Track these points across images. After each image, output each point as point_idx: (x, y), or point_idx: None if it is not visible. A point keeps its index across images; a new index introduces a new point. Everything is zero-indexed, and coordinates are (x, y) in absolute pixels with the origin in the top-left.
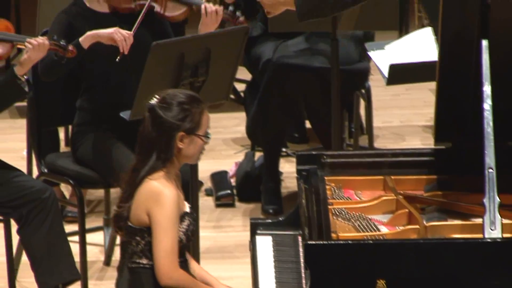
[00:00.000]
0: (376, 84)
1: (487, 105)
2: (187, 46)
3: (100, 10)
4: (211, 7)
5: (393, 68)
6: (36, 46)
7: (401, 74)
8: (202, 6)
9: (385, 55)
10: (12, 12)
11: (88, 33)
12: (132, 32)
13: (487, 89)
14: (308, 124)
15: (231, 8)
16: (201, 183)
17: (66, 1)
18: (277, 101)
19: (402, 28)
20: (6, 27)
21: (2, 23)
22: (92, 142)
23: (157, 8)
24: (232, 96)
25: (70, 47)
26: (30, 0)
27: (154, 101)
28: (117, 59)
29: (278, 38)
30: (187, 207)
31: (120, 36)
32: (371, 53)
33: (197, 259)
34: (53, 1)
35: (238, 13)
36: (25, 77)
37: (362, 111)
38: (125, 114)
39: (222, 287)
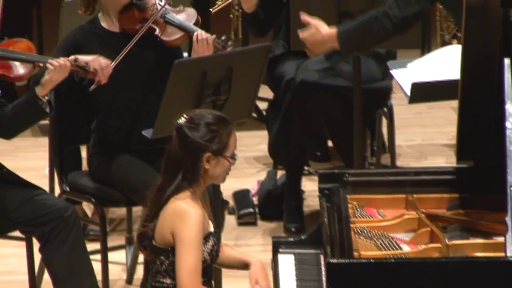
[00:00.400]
0: (399, 103)
1: (510, 123)
2: (209, 64)
3: (112, 29)
4: (202, 34)
5: (416, 86)
6: (57, 67)
7: (424, 92)
8: (194, 34)
9: (407, 74)
10: (34, 31)
11: None
12: (112, 64)
13: (509, 107)
14: (330, 143)
15: (223, 37)
16: (227, 202)
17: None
18: (299, 120)
19: (425, 46)
20: (28, 47)
21: (24, 44)
22: (111, 162)
23: (157, 31)
24: (254, 115)
25: (91, 69)
26: (52, 20)
27: (182, 120)
28: (90, 89)
29: (300, 57)
30: (212, 227)
31: (98, 65)
32: (393, 72)
33: (219, 277)
34: (75, 21)
35: (230, 43)
36: (46, 97)
37: (384, 130)
38: (147, 133)
39: (253, 259)
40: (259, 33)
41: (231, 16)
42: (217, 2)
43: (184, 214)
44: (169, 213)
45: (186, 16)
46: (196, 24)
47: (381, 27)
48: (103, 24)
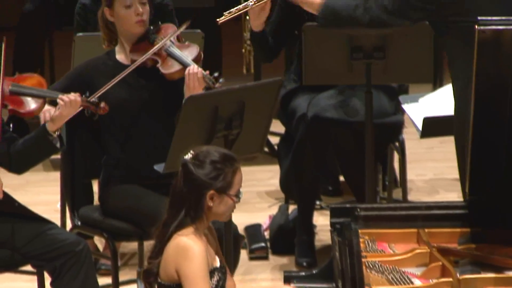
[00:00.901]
0: (410, 137)
1: None
2: (221, 99)
3: (125, 62)
4: (193, 69)
5: (427, 121)
6: (67, 103)
7: (435, 127)
8: (187, 68)
9: (419, 108)
10: (46, 66)
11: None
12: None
13: None
14: (341, 177)
15: (215, 74)
16: (242, 237)
17: (100, 49)
18: (311, 155)
19: (437, 81)
20: (39, 82)
21: (35, 79)
22: (122, 195)
23: (159, 63)
24: (266, 149)
25: (102, 104)
26: (64, 54)
27: (188, 156)
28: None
29: (312, 91)
30: (217, 262)
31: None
32: (405, 106)
33: None
34: (87, 55)
35: (221, 80)
36: (57, 133)
37: (396, 164)
38: (159, 167)
39: None
40: (264, 56)
41: (243, 50)
42: (224, 14)
43: (187, 250)
44: (172, 250)
45: (188, 52)
46: (196, 59)
47: (360, 16)
48: (118, 56)
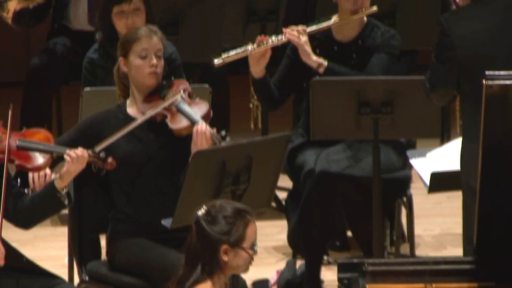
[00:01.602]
0: (418, 192)
1: None
2: (229, 154)
3: (135, 116)
4: (201, 127)
5: (435, 176)
6: (74, 159)
7: (443, 182)
8: (195, 125)
9: (426, 163)
10: (54, 121)
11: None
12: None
13: None
14: (349, 232)
15: (223, 132)
16: None
17: (108, 104)
18: (319, 210)
19: (444, 136)
20: (46, 137)
21: (42, 134)
22: (130, 249)
23: (168, 118)
24: (273, 204)
25: (109, 159)
26: (72, 109)
27: (200, 212)
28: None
29: (319, 146)
30: None
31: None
32: (412, 161)
33: None
34: (94, 111)
35: (228, 139)
36: (65, 190)
37: (404, 219)
38: (166, 222)
39: None
40: (266, 104)
41: (251, 105)
42: (222, 56)
43: None
44: None
45: (197, 108)
46: (205, 117)
47: None
48: (129, 110)
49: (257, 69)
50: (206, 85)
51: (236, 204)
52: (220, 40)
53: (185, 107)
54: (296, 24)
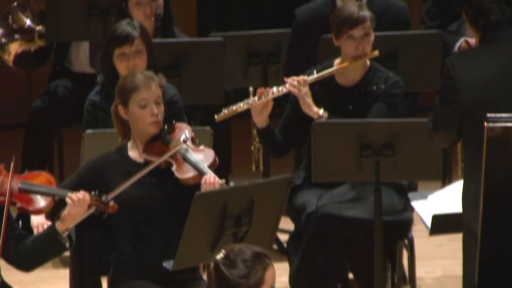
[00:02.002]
0: (419, 234)
1: None
2: (230, 196)
3: (138, 160)
4: (210, 178)
5: (436, 218)
6: (76, 202)
7: (444, 224)
8: (203, 176)
9: (428, 205)
10: (55, 163)
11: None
12: (113, 193)
13: None
14: (351, 274)
15: (231, 183)
16: None
17: (110, 146)
18: (320, 253)
19: (446, 178)
20: (48, 180)
21: (44, 177)
22: None
23: (174, 167)
24: (275, 246)
25: (111, 203)
26: (73, 151)
27: (219, 256)
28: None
29: (321, 187)
30: None
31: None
32: (414, 203)
33: None
34: (96, 152)
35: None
36: (66, 232)
37: (405, 261)
38: (168, 264)
39: None
40: (273, 152)
41: (252, 148)
42: (223, 110)
43: None
44: None
45: (204, 157)
46: (212, 166)
47: None
48: (130, 153)
49: (260, 120)
50: (208, 128)
51: (255, 247)
52: (221, 82)
53: (192, 157)
54: (298, 67)
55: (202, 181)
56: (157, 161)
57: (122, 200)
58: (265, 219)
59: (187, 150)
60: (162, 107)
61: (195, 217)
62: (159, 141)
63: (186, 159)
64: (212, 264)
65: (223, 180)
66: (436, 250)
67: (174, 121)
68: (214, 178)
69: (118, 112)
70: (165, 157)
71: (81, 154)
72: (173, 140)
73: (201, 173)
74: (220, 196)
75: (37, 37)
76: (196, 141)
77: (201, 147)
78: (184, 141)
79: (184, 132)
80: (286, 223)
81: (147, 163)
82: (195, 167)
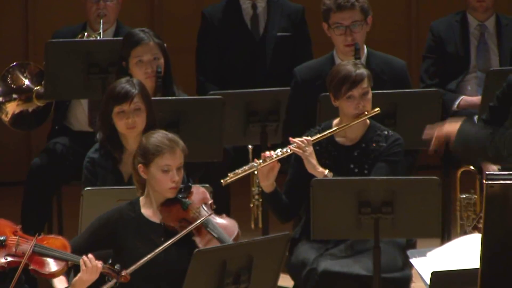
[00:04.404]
0: None
1: None
2: (229, 254)
3: (152, 219)
4: None
5: (435, 275)
6: (89, 269)
7: (443, 281)
8: None
9: (427, 262)
10: (54, 220)
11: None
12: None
13: None
14: None
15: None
16: None
17: (109, 204)
18: None
19: (445, 236)
20: (63, 245)
21: (59, 241)
22: None
23: (195, 236)
24: None
25: (123, 272)
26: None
27: None
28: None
29: (320, 243)
30: None
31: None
32: (413, 261)
33: None
34: (95, 211)
35: None
36: None
37: None
38: None
39: None
40: (281, 218)
41: (251, 205)
42: (228, 174)
43: None
44: None
45: (227, 230)
46: (235, 240)
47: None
48: (143, 210)
49: (267, 183)
50: (207, 185)
51: None
52: (220, 139)
53: (217, 230)
54: (297, 125)
55: None
56: (181, 231)
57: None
58: (264, 276)
59: (210, 221)
60: (182, 172)
61: (194, 273)
62: (177, 205)
63: (210, 231)
64: None
65: None
66: None
67: (190, 184)
68: None
69: (137, 169)
70: (192, 227)
71: (80, 211)
72: (192, 206)
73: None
74: (219, 253)
75: (35, 97)
76: (213, 206)
77: (224, 216)
78: (204, 209)
79: (201, 196)
80: (286, 280)
81: (162, 224)
82: (220, 240)
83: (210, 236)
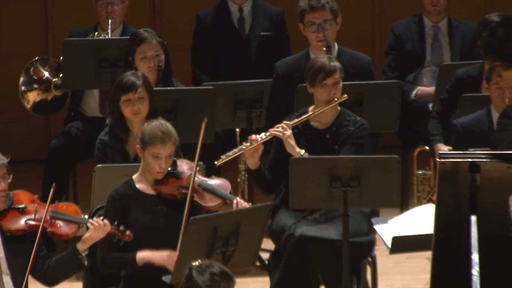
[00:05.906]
0: (381, 253)
1: (475, 271)
2: (220, 221)
3: (148, 192)
4: (241, 203)
5: (396, 239)
6: (97, 227)
7: (402, 244)
8: (234, 201)
9: (388, 229)
10: (71, 193)
11: (144, 256)
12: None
13: (475, 257)
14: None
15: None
16: None
17: (117, 178)
18: (298, 270)
19: (403, 206)
20: (75, 210)
21: (72, 207)
22: None
23: (196, 197)
24: (257, 263)
25: (128, 232)
26: (86, 182)
27: (194, 263)
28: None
29: (297, 211)
30: None
31: (173, 263)
32: (376, 227)
33: None
34: (105, 185)
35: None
36: (85, 252)
37: (369, 276)
38: (166, 278)
39: None
40: (264, 190)
41: (239, 180)
42: (221, 157)
43: None
44: None
45: (221, 186)
46: (231, 192)
47: None
48: (139, 186)
49: (252, 162)
50: (201, 163)
51: (225, 268)
52: (212, 124)
53: (211, 186)
54: (278, 112)
55: (234, 205)
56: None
57: (136, 229)
58: (250, 240)
59: (202, 181)
60: (171, 159)
61: (190, 237)
62: (171, 177)
63: (206, 189)
64: (187, 268)
65: (250, 204)
66: (396, 267)
67: (175, 159)
68: (244, 202)
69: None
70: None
71: (92, 185)
72: (184, 174)
73: (226, 199)
74: (211, 221)
75: (53, 87)
76: (204, 172)
77: (214, 177)
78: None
79: (186, 165)
80: (268, 244)
81: (161, 196)
82: (217, 195)
83: (210, 195)
